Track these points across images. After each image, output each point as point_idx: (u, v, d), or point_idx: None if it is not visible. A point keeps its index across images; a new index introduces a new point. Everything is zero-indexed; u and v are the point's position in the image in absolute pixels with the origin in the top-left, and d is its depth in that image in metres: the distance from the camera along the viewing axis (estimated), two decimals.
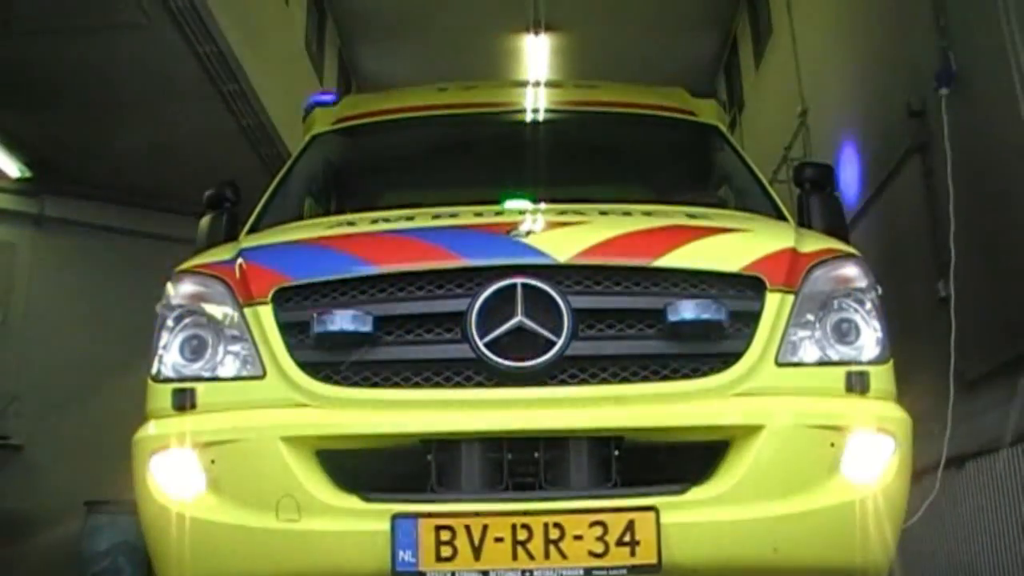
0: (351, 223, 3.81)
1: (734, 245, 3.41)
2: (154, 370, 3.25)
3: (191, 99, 8.84)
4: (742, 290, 3.20)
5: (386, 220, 3.76)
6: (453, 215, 3.68)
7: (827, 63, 9.73)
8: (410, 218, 3.71)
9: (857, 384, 3.17)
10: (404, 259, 3.24)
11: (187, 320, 3.27)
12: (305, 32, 12.58)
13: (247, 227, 4.32)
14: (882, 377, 3.23)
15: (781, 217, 4.31)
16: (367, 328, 3.07)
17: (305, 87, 10.95)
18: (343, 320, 3.07)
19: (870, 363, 3.22)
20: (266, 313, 3.17)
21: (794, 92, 10.56)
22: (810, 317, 3.22)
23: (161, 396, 3.19)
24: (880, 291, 3.36)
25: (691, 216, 3.76)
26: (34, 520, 9.14)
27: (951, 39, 6.42)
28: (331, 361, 3.09)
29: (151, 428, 3.18)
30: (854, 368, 3.20)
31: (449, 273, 3.15)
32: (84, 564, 8.90)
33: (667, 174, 5.53)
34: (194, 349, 3.23)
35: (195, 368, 3.21)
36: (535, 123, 5.57)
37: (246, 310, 3.21)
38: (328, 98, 5.67)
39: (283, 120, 9.47)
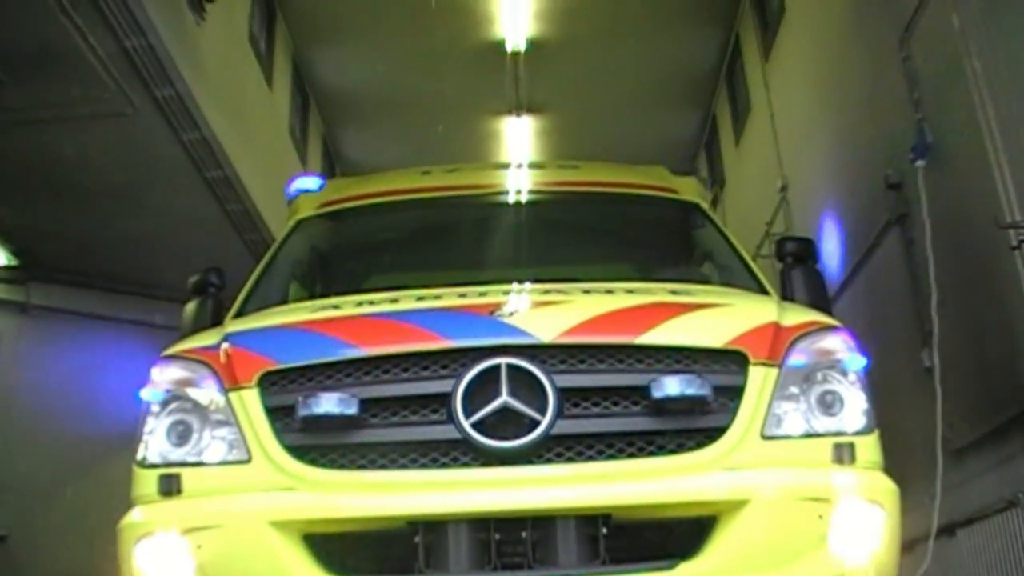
0: (336, 306, 3.81)
1: (716, 320, 3.42)
2: (140, 456, 3.23)
3: (176, 186, 8.91)
4: (726, 365, 3.21)
5: (371, 303, 3.75)
6: (437, 297, 3.69)
7: (805, 138, 9.86)
8: (394, 300, 3.73)
9: (844, 455, 3.16)
10: (389, 341, 3.25)
11: (173, 405, 3.26)
12: (289, 117, 12.72)
13: (232, 312, 4.33)
14: (869, 448, 3.23)
15: (764, 291, 4.33)
16: (353, 411, 3.06)
17: (289, 172, 11.02)
18: (329, 403, 3.06)
19: (856, 434, 3.22)
20: (252, 397, 3.17)
21: (774, 168, 10.68)
22: (794, 390, 3.23)
23: (147, 482, 3.17)
24: (866, 362, 3.37)
25: (674, 292, 3.78)
26: None
27: (925, 112, 6.53)
28: (317, 444, 3.08)
29: (137, 514, 3.16)
30: (840, 439, 3.19)
31: (433, 354, 3.15)
32: None
33: (650, 252, 5.56)
34: (180, 434, 3.22)
35: (181, 453, 3.19)
36: (518, 204, 5.61)
37: (231, 394, 3.20)
38: (311, 183, 5.68)
39: (267, 205, 9.53)
